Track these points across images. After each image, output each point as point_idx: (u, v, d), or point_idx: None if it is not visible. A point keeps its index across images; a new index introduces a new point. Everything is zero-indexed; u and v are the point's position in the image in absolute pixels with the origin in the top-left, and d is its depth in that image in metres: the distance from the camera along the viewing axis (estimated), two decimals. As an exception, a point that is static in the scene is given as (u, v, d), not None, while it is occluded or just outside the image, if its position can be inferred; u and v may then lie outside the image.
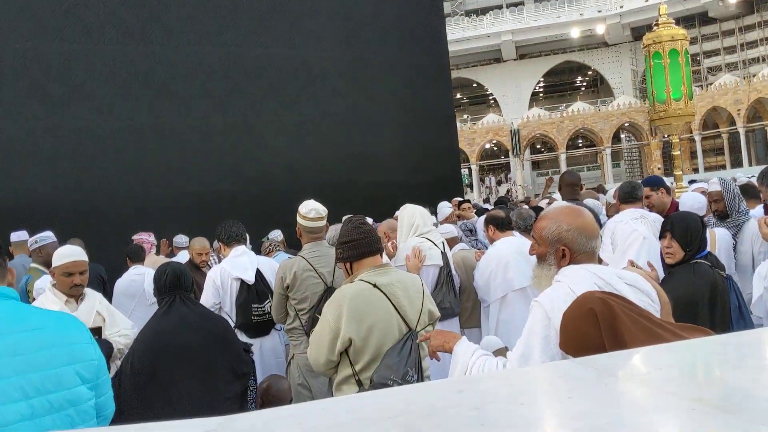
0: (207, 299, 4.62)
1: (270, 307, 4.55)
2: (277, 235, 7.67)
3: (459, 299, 4.98)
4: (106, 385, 2.22)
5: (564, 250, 2.24)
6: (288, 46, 10.36)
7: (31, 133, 8.25)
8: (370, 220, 4.68)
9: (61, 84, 8.45)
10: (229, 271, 4.71)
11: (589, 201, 6.33)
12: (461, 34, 49.58)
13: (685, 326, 1.92)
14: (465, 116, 52.79)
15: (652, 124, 10.33)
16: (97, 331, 3.46)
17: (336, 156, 10.51)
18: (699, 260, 3.41)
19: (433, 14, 13.12)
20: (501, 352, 2.50)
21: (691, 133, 41.53)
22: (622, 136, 48.94)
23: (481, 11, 52.94)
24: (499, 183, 48.08)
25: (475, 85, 55.72)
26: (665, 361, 1.28)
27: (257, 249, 6.68)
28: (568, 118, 45.64)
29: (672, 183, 7.88)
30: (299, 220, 4.19)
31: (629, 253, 4.23)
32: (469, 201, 10.45)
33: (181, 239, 7.57)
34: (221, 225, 5.00)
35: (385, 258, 3.50)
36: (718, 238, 4.48)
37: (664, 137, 37.31)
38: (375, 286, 2.96)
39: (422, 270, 4.45)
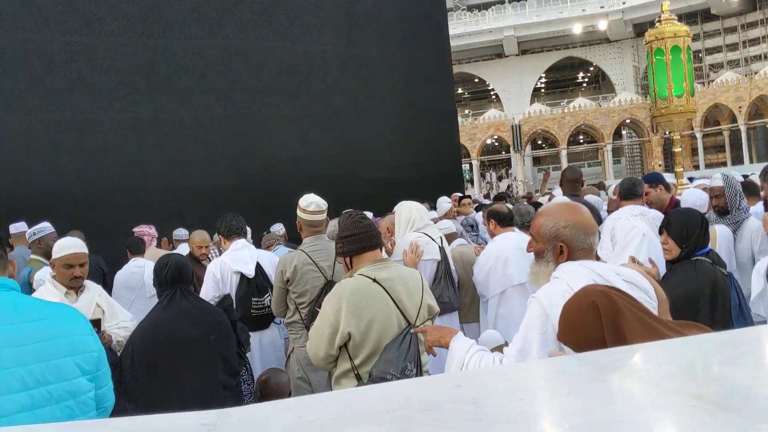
0: (207, 292, 4.62)
1: (270, 300, 4.56)
2: (279, 228, 7.66)
3: (458, 294, 4.99)
4: (106, 376, 2.23)
5: (562, 247, 2.24)
6: (290, 40, 10.34)
7: (31, 125, 8.23)
8: (370, 215, 4.68)
9: (62, 76, 8.43)
10: (229, 264, 4.72)
11: (589, 197, 6.33)
12: (463, 29, 49.50)
13: (684, 323, 1.92)
14: (466, 111, 52.78)
15: (654, 120, 10.30)
16: (96, 323, 3.46)
17: (337, 150, 10.50)
18: (700, 257, 3.40)
19: (435, 9, 13.10)
20: (500, 348, 2.50)
21: (693, 130, 41.49)
22: (624, 132, 48.90)
23: (484, 6, 52.85)
24: (500, 178, 48.05)
25: (476, 80, 55.69)
26: (664, 358, 1.28)
27: (258, 242, 6.69)
28: (569, 114, 45.59)
29: (674, 179, 7.88)
30: (299, 213, 4.19)
31: (629, 250, 4.23)
32: (469, 197, 10.45)
33: (180, 232, 7.58)
34: (221, 218, 5.00)
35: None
36: (718, 235, 4.48)
37: (665, 134, 37.26)
38: (375, 280, 2.96)
39: (420, 265, 4.45)
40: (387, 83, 11.73)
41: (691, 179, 9.35)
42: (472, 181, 44.34)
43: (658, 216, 4.52)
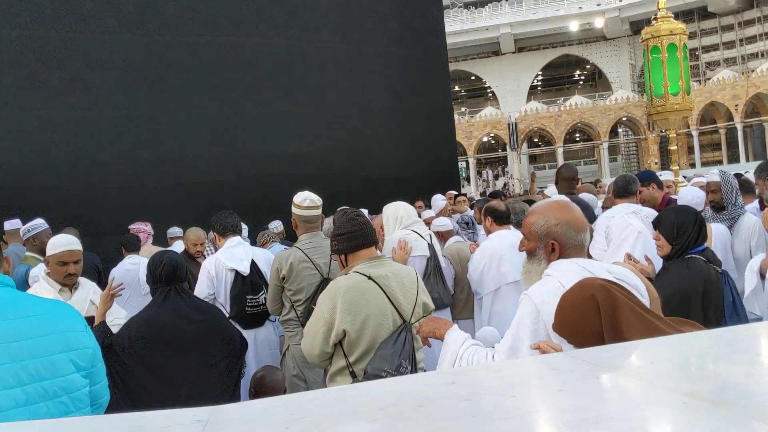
0: (201, 290, 4.62)
1: (264, 298, 4.55)
2: (277, 225, 7.65)
3: (448, 289, 5.02)
4: (101, 373, 2.23)
5: (553, 245, 2.25)
6: (286, 37, 10.32)
7: (26, 122, 8.20)
8: (365, 212, 4.68)
9: (57, 73, 8.40)
10: (224, 261, 4.71)
11: (584, 195, 6.34)
12: (460, 26, 49.52)
13: (678, 320, 1.93)
14: (463, 109, 52.79)
15: (650, 118, 10.33)
16: (91, 320, 3.45)
17: (332, 147, 10.49)
18: (694, 255, 3.41)
19: (432, 6, 13.08)
20: (496, 347, 2.51)
21: (689, 128, 41.58)
22: (620, 130, 48.98)
23: (480, 3, 52.87)
24: (496, 176, 48.16)
25: (473, 77, 55.70)
26: (658, 355, 1.28)
27: (254, 240, 6.68)
28: (565, 112, 45.64)
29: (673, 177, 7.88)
30: (294, 210, 4.18)
31: (624, 248, 4.24)
32: (465, 195, 10.46)
33: (174, 230, 7.58)
34: (216, 216, 4.99)
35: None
36: (714, 233, 4.47)
37: (661, 132, 37.34)
38: (370, 278, 2.96)
39: (409, 261, 4.46)
40: (383, 80, 11.71)
41: (685, 178, 9.37)
42: (468, 179, 44.38)
43: (651, 214, 4.52)
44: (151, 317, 3.34)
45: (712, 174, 5.06)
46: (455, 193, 9.58)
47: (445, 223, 5.99)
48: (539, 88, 57.63)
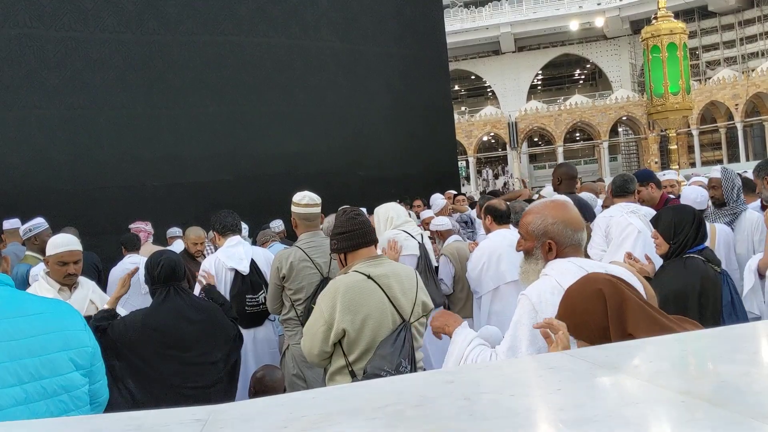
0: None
1: (264, 297, 4.55)
2: (278, 224, 7.64)
3: (440, 289, 5.02)
4: (100, 372, 2.23)
5: (550, 244, 2.25)
6: (285, 36, 10.31)
7: (25, 121, 8.20)
8: (364, 211, 4.68)
9: (57, 72, 8.40)
10: (224, 261, 4.71)
11: (584, 194, 6.35)
12: (460, 25, 49.50)
13: (681, 318, 1.93)
14: (463, 108, 52.77)
15: (650, 117, 10.35)
16: (90, 319, 3.45)
17: (332, 147, 10.48)
18: (692, 254, 3.40)
19: (432, 5, 13.06)
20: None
21: (689, 127, 41.55)
22: (620, 129, 48.96)
23: (480, 3, 52.85)
24: (496, 176, 48.15)
25: (473, 77, 55.67)
26: (656, 354, 1.28)
27: (256, 239, 6.69)
28: (565, 111, 45.63)
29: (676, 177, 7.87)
30: (293, 208, 4.18)
31: (625, 247, 4.24)
32: (464, 194, 10.47)
33: (173, 230, 7.58)
34: (216, 215, 4.99)
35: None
36: (717, 232, 4.47)
37: (661, 131, 37.30)
38: (369, 277, 2.96)
39: (399, 260, 4.46)
40: (383, 80, 11.70)
41: (685, 177, 9.36)
42: (468, 179, 44.37)
43: (649, 213, 4.52)
44: (151, 318, 3.34)
45: (714, 171, 5.07)
46: (455, 192, 9.58)
47: (444, 223, 5.99)
48: (539, 88, 57.61)
